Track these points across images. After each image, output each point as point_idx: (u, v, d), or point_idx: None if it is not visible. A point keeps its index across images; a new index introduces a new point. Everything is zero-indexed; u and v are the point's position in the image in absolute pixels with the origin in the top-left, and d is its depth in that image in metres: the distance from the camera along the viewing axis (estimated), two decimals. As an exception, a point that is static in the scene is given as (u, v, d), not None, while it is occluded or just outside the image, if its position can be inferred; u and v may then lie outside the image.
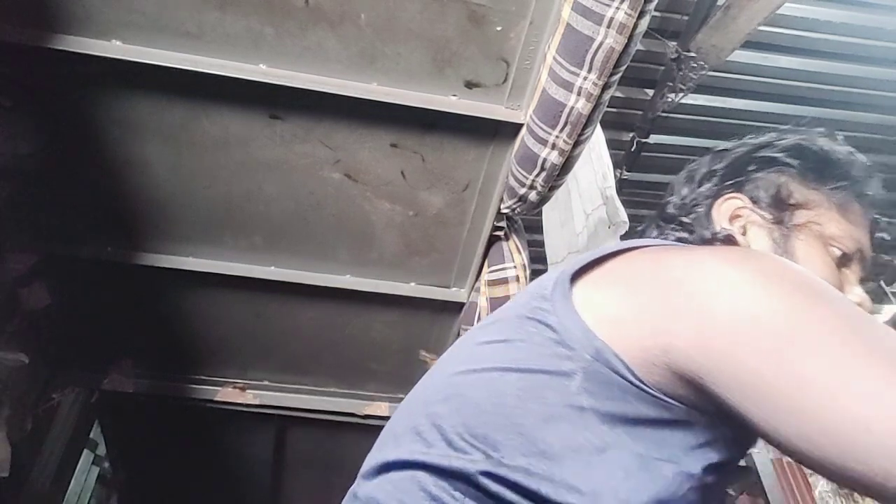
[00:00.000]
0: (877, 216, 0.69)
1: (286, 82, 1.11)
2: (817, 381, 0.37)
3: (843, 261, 0.63)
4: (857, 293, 0.63)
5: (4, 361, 1.49)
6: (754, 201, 0.67)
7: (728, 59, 1.88)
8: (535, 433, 0.46)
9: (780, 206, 0.65)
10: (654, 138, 2.52)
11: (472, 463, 0.47)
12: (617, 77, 0.98)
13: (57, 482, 1.76)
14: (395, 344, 1.74)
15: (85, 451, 2.02)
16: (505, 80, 1.14)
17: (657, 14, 2.03)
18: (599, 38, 0.91)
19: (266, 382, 1.88)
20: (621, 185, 2.56)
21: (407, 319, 1.66)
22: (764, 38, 2.09)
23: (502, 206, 1.36)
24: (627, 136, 2.54)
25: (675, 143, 2.50)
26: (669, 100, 2.15)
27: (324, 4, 1.03)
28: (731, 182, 0.70)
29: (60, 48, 1.03)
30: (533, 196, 1.23)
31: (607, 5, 0.88)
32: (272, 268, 1.50)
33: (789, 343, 0.39)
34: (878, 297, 3.22)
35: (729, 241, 0.65)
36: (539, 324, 0.51)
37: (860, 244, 0.65)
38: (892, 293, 3.15)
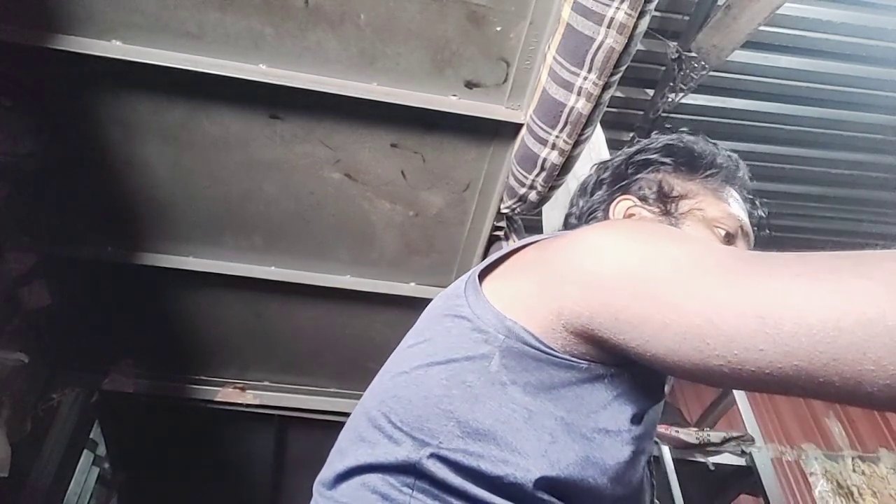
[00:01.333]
0: (751, 196, 0.78)
1: (286, 82, 1.11)
2: (670, 300, 0.43)
3: (729, 239, 0.69)
4: None
5: (4, 361, 1.49)
6: (642, 199, 0.75)
7: (728, 59, 1.88)
8: (465, 415, 0.50)
9: (665, 200, 0.73)
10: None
11: (414, 452, 0.50)
12: (617, 77, 0.98)
13: (57, 482, 1.76)
14: (396, 344, 1.74)
15: (85, 451, 2.02)
16: (505, 80, 1.14)
17: (658, 14, 2.03)
18: (599, 38, 0.91)
19: (266, 382, 1.88)
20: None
21: (407, 319, 1.65)
22: (764, 38, 2.09)
23: (502, 206, 1.36)
24: (627, 136, 2.54)
25: (676, 143, 2.50)
26: (670, 100, 2.15)
27: (324, 5, 1.03)
28: (618, 186, 0.79)
29: (60, 48, 1.03)
30: (533, 196, 1.23)
31: (607, 5, 0.88)
32: (272, 268, 1.50)
33: (646, 278, 0.45)
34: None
35: None
36: (455, 318, 0.56)
37: (740, 222, 0.71)
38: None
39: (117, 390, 1.81)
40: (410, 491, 0.49)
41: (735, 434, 2.13)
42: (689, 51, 1.93)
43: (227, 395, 1.86)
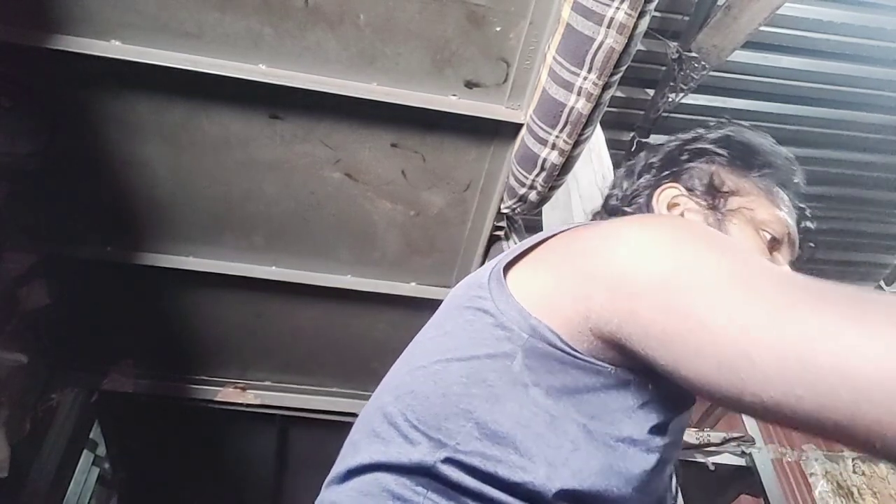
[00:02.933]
0: (802, 206, 0.74)
1: (286, 82, 1.10)
2: (706, 322, 0.40)
3: (774, 244, 0.66)
4: None
5: (4, 361, 1.49)
6: (690, 189, 0.71)
7: (729, 59, 1.88)
8: (484, 416, 0.48)
9: (714, 194, 0.69)
10: (654, 138, 2.52)
11: (429, 454, 0.48)
12: (617, 77, 0.98)
13: (57, 482, 1.76)
14: (397, 344, 1.74)
15: (85, 451, 2.02)
16: (505, 80, 1.14)
17: (658, 14, 2.03)
18: (599, 38, 0.91)
19: (267, 382, 1.88)
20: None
21: (408, 319, 1.66)
22: (764, 38, 2.09)
23: (502, 206, 1.36)
24: (627, 136, 2.54)
25: (676, 143, 2.51)
26: (670, 100, 2.15)
27: (323, 5, 1.03)
28: (667, 173, 0.74)
29: (60, 48, 1.03)
30: (533, 196, 1.23)
31: (607, 5, 0.88)
32: (273, 268, 1.50)
33: (680, 290, 0.42)
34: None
35: None
36: (477, 311, 0.53)
37: (788, 228, 0.68)
38: (893, 293, 3.16)
39: (117, 390, 1.81)
40: (425, 491, 0.47)
41: (735, 434, 2.13)
42: (690, 51, 1.93)
43: (228, 395, 1.86)
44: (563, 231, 0.57)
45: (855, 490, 2.95)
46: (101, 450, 2.15)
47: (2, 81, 1.11)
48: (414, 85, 1.14)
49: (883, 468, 3.05)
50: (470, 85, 1.15)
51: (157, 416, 1.97)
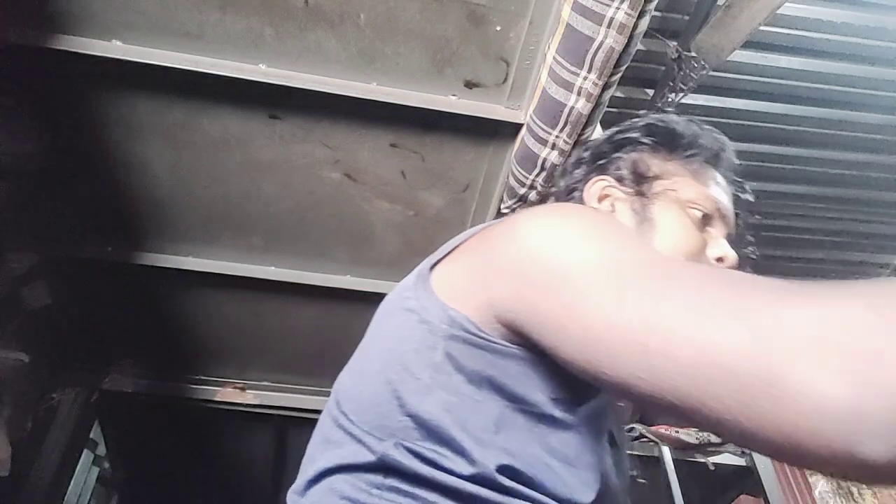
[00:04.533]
0: (738, 179, 0.76)
1: (286, 82, 1.11)
2: (575, 308, 0.42)
3: (706, 220, 0.68)
4: (721, 247, 0.67)
5: (4, 361, 1.49)
6: (618, 180, 0.72)
7: (728, 59, 1.87)
8: (416, 408, 0.50)
9: (640, 180, 0.71)
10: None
11: (377, 452, 0.50)
12: (617, 77, 0.98)
13: (57, 482, 1.76)
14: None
15: (85, 451, 2.02)
16: (505, 80, 1.14)
17: (657, 14, 2.03)
18: (599, 38, 0.91)
19: (266, 382, 1.88)
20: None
21: (407, 319, 1.66)
22: (764, 38, 2.09)
23: (502, 206, 1.36)
24: (628, 136, 2.53)
25: (676, 143, 2.50)
26: (670, 100, 2.15)
27: (323, 4, 1.03)
28: (596, 166, 0.76)
29: (61, 48, 1.03)
30: (533, 196, 1.23)
31: (607, 5, 0.88)
32: (271, 268, 1.50)
33: (556, 277, 0.44)
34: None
35: None
36: (404, 311, 0.56)
37: (718, 203, 0.69)
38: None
39: (117, 390, 1.81)
40: (379, 492, 0.49)
41: (735, 434, 2.13)
42: (689, 51, 1.93)
43: (227, 394, 1.86)
44: (484, 227, 0.60)
45: (855, 490, 2.95)
46: (101, 449, 2.15)
47: (3, 81, 1.11)
48: (414, 85, 1.14)
49: (883, 468, 3.05)
50: (470, 85, 1.15)
51: (157, 416, 1.98)
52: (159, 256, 1.44)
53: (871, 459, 0.29)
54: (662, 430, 2.12)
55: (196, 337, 1.71)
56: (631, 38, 0.91)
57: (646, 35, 1.01)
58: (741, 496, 2.31)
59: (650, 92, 2.32)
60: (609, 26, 0.89)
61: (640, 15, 0.89)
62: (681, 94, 2.11)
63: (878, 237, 2.98)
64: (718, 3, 1.88)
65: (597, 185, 0.73)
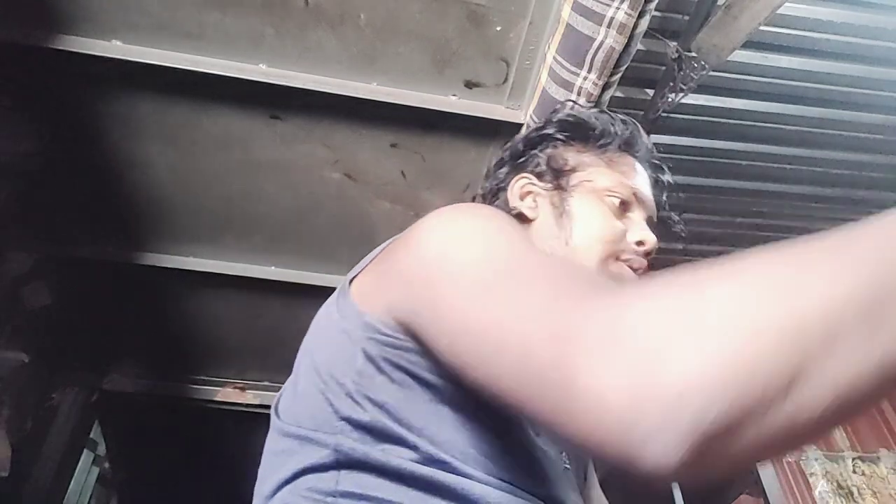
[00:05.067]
0: (657, 162, 0.78)
1: (286, 82, 1.11)
2: (447, 309, 0.43)
3: (624, 207, 0.70)
4: (640, 231, 0.68)
5: (4, 361, 1.49)
6: (538, 176, 0.74)
7: (729, 59, 1.88)
8: (348, 412, 0.51)
9: (557, 175, 0.72)
10: (654, 138, 2.51)
11: (325, 455, 0.51)
12: (617, 77, 0.98)
13: (57, 482, 1.76)
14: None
15: (85, 451, 2.02)
16: (505, 80, 1.14)
17: (657, 14, 2.02)
18: (599, 38, 0.91)
19: (266, 382, 1.88)
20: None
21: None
22: (765, 38, 2.09)
23: (502, 206, 1.36)
24: (628, 137, 2.53)
25: (676, 143, 2.50)
26: (670, 100, 2.14)
27: (324, 4, 1.03)
28: (517, 164, 0.78)
29: (61, 48, 1.03)
30: (533, 196, 1.23)
31: (607, 5, 0.88)
32: (272, 268, 1.50)
33: (434, 282, 0.45)
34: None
35: (520, 218, 0.73)
36: (327, 323, 0.58)
37: (634, 189, 0.71)
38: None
39: (117, 390, 1.81)
40: (334, 499, 0.49)
41: (735, 434, 2.13)
42: (689, 51, 1.93)
43: (227, 394, 1.86)
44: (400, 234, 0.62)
45: (855, 490, 2.95)
46: (101, 450, 2.15)
47: (3, 81, 1.11)
48: (414, 85, 1.14)
49: (883, 468, 3.06)
50: (470, 85, 1.15)
51: (157, 416, 1.98)
52: (160, 256, 1.44)
53: (651, 465, 0.29)
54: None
55: (196, 337, 1.71)
56: (631, 38, 0.91)
57: (646, 35, 1.01)
58: (741, 496, 2.31)
59: (650, 92, 2.31)
60: (609, 26, 0.90)
61: (640, 15, 0.89)
62: (681, 94, 2.11)
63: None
64: (718, 3, 1.88)
65: (518, 184, 0.75)
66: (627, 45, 0.92)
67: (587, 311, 0.34)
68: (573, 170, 0.72)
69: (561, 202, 0.70)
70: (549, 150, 0.76)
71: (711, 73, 2.01)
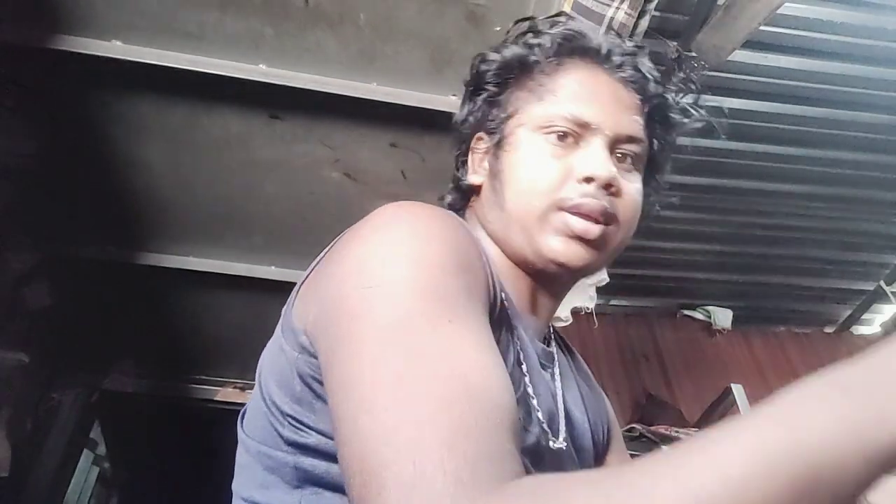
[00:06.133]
0: (625, 52, 0.61)
1: (286, 82, 1.11)
2: (354, 386, 0.38)
3: (570, 137, 0.56)
4: (586, 164, 0.54)
5: (6, 361, 1.49)
6: (488, 133, 0.63)
7: (728, 59, 1.87)
8: (293, 437, 0.47)
9: (492, 129, 0.61)
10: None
11: (286, 473, 0.48)
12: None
13: (57, 482, 1.76)
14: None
15: (85, 451, 2.02)
16: (505, 80, 1.14)
17: (657, 14, 2.02)
18: (599, 38, 0.91)
19: (266, 382, 1.88)
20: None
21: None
22: (764, 38, 2.09)
23: (502, 206, 1.36)
24: (628, 136, 2.53)
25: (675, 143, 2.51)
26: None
27: (323, 5, 1.03)
28: (470, 125, 0.67)
29: (61, 48, 1.03)
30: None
31: (607, 5, 0.88)
32: (272, 268, 1.50)
33: (341, 321, 0.42)
34: (879, 297, 3.21)
35: (472, 190, 0.65)
36: (278, 334, 0.53)
37: (574, 112, 0.56)
38: (892, 293, 3.15)
39: (117, 390, 1.81)
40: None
41: (735, 434, 2.13)
42: (689, 51, 1.93)
43: (227, 394, 1.86)
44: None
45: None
46: (101, 450, 2.15)
47: (3, 81, 1.11)
48: (413, 84, 1.15)
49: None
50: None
51: (157, 416, 1.98)
52: (160, 256, 1.44)
53: None
54: (662, 429, 2.12)
55: (196, 337, 1.71)
56: (631, 37, 0.91)
57: (646, 35, 1.01)
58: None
59: (650, 92, 2.32)
60: (609, 26, 0.90)
61: (640, 15, 0.89)
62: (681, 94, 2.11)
63: (878, 237, 2.98)
64: (718, 3, 1.88)
65: (474, 146, 0.66)
66: (627, 45, 0.92)
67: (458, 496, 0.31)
68: (508, 117, 0.60)
69: (495, 162, 0.60)
70: (486, 103, 0.64)
71: (711, 73, 2.01)
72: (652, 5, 0.90)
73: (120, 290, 1.55)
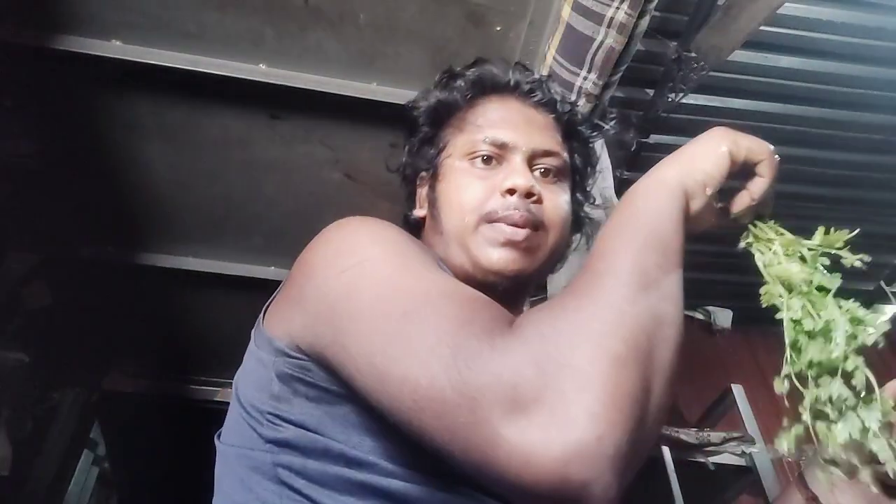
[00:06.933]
0: (526, 80, 0.70)
1: (286, 82, 1.11)
2: (367, 347, 0.43)
3: (493, 160, 0.63)
4: (508, 178, 0.61)
5: (5, 361, 1.49)
6: (425, 169, 0.71)
7: (728, 59, 1.88)
8: (274, 435, 0.51)
9: (430, 163, 0.70)
10: (654, 138, 2.52)
11: (267, 471, 0.51)
12: (617, 77, 0.98)
13: (57, 482, 1.76)
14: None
15: (85, 451, 2.01)
16: (505, 80, 1.14)
17: (657, 14, 2.02)
18: (599, 38, 0.91)
19: (266, 382, 1.88)
20: (620, 186, 2.55)
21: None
22: (764, 38, 2.09)
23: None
24: (627, 137, 2.54)
25: (676, 143, 2.51)
26: (670, 100, 2.15)
27: (323, 4, 1.03)
28: (412, 166, 0.74)
29: (60, 48, 1.03)
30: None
31: (607, 5, 0.88)
32: (272, 268, 1.50)
33: (329, 317, 0.47)
34: (879, 297, 3.21)
35: (420, 222, 0.71)
36: (249, 353, 0.59)
37: (490, 136, 0.64)
38: (893, 293, 3.14)
39: (117, 390, 1.81)
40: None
41: (735, 434, 2.13)
42: (689, 51, 1.93)
43: (227, 394, 1.85)
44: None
45: (855, 490, 2.94)
46: (101, 450, 2.14)
47: (2, 81, 1.11)
48: (414, 85, 1.14)
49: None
50: (470, 85, 1.15)
51: (157, 416, 1.97)
52: (159, 256, 1.44)
53: (594, 500, 0.33)
54: (662, 429, 2.12)
55: (196, 337, 1.71)
56: (631, 38, 0.91)
57: (646, 35, 1.01)
58: (741, 496, 2.30)
59: (650, 92, 2.32)
60: (609, 26, 0.90)
61: (641, 15, 0.89)
62: (681, 94, 2.11)
63: (878, 237, 2.98)
64: (718, 3, 1.88)
65: (419, 185, 0.73)
66: (627, 45, 0.92)
67: (486, 361, 0.37)
68: (439, 151, 0.68)
69: (432, 194, 0.67)
70: (426, 144, 0.72)
71: (711, 73, 2.01)
72: (652, 5, 0.90)
73: (120, 290, 1.55)
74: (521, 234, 0.59)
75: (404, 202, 0.77)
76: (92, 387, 1.82)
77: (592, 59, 0.94)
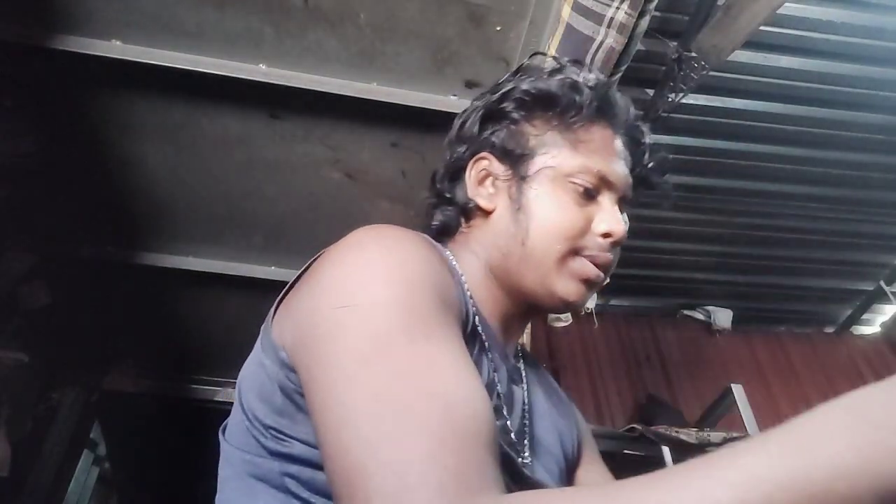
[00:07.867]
0: (640, 139, 0.67)
1: (286, 82, 1.11)
2: (335, 408, 0.40)
3: (590, 193, 0.60)
4: (606, 220, 0.60)
5: (5, 361, 1.49)
6: (498, 159, 0.64)
7: (728, 59, 1.87)
8: (278, 449, 0.48)
9: (515, 159, 0.63)
10: (654, 138, 2.52)
11: (276, 481, 0.49)
12: (617, 77, 0.98)
13: (57, 482, 1.76)
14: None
15: (85, 451, 2.02)
16: (505, 80, 1.14)
17: (657, 14, 2.02)
18: (600, 38, 0.91)
19: (266, 382, 1.88)
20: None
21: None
22: (764, 38, 2.09)
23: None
24: (628, 137, 2.53)
25: (676, 143, 2.50)
26: (670, 100, 2.14)
27: (323, 4, 1.03)
28: (477, 140, 0.67)
29: (60, 48, 1.03)
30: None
31: (607, 5, 0.88)
32: (272, 268, 1.50)
33: (318, 352, 0.43)
34: (879, 297, 3.21)
35: (477, 210, 0.65)
36: (258, 350, 0.54)
37: (602, 172, 0.61)
38: (892, 293, 3.15)
39: (117, 390, 1.81)
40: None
41: (735, 434, 2.12)
42: (689, 51, 1.93)
43: (228, 394, 1.86)
44: (316, 258, 0.55)
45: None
46: (101, 450, 2.15)
47: (2, 81, 1.11)
48: (414, 85, 1.14)
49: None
50: (470, 84, 1.15)
51: (157, 416, 1.97)
52: (159, 256, 1.44)
53: None
54: (662, 430, 2.12)
55: (196, 337, 1.71)
56: (631, 38, 0.91)
57: (646, 35, 1.01)
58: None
59: (650, 92, 2.31)
60: (609, 26, 0.90)
61: (641, 15, 0.89)
62: (681, 94, 2.11)
63: (878, 237, 2.98)
64: (718, 3, 1.88)
65: (477, 165, 0.65)
66: (627, 45, 0.92)
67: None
68: (533, 153, 0.62)
69: (518, 194, 0.61)
70: (507, 129, 0.65)
71: (711, 73, 2.01)
72: (652, 5, 0.90)
73: (119, 290, 1.55)
74: (602, 276, 0.60)
75: (444, 171, 0.70)
76: (92, 387, 1.82)
77: (592, 58, 0.94)
